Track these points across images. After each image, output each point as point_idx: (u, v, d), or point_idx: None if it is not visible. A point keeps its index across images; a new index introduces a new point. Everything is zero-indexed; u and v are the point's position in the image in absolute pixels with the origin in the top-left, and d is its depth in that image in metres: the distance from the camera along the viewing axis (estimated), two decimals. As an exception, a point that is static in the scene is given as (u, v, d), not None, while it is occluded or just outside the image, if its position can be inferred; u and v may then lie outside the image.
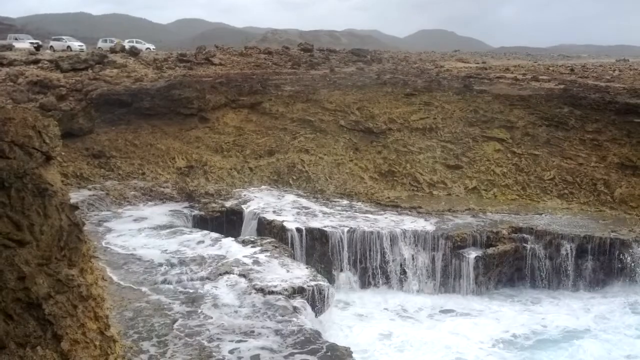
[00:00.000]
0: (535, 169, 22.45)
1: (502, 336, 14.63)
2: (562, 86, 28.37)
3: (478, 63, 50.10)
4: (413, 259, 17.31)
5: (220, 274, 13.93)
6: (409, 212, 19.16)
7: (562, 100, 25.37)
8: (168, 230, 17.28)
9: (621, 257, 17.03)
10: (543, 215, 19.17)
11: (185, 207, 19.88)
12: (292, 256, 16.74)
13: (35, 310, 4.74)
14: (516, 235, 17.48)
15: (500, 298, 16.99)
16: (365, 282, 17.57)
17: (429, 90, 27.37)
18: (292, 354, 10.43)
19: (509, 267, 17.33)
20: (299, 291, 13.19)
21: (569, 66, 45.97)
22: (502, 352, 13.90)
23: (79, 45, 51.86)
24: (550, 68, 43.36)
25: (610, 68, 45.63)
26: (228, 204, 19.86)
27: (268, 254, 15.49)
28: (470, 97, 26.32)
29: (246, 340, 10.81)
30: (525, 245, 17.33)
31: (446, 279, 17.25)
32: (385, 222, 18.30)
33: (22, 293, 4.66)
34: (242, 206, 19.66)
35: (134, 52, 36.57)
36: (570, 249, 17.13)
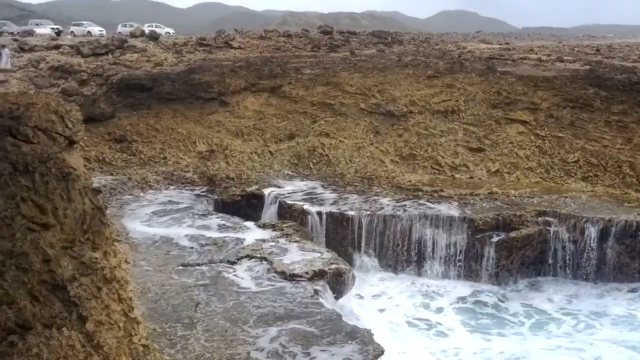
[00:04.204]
0: (559, 152, 22.11)
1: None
2: (587, 67, 27.89)
3: (501, 44, 49.44)
4: (433, 242, 17.22)
5: (242, 257, 14.01)
6: (431, 196, 19.02)
7: (587, 81, 24.92)
8: (189, 214, 17.40)
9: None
10: (567, 198, 18.89)
11: (206, 191, 20.01)
12: (313, 240, 16.79)
13: (60, 292, 4.81)
14: (540, 218, 17.27)
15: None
16: (386, 265, 17.54)
17: (451, 72, 27.06)
18: (313, 337, 10.47)
19: (532, 250, 17.15)
20: (319, 274, 13.20)
21: (594, 46, 45.18)
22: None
23: (99, 31, 52.29)
24: (575, 48, 42.66)
25: (637, 48, 44.69)
26: (249, 187, 19.93)
27: (289, 237, 15.53)
28: (493, 78, 25.97)
29: (267, 323, 10.87)
30: (548, 228, 17.11)
31: (469, 262, 17.11)
32: (407, 205, 18.20)
33: (47, 275, 4.73)
34: (263, 190, 19.72)
35: (153, 37, 36.75)
36: (595, 232, 16.88)
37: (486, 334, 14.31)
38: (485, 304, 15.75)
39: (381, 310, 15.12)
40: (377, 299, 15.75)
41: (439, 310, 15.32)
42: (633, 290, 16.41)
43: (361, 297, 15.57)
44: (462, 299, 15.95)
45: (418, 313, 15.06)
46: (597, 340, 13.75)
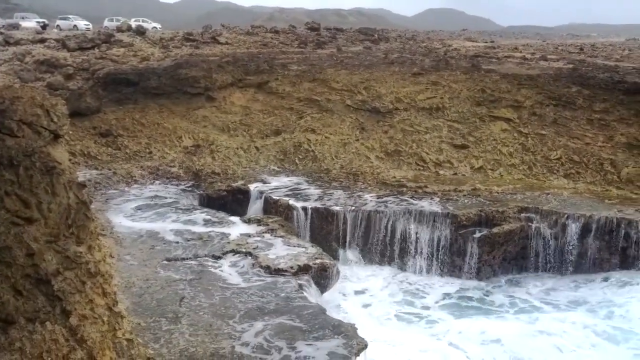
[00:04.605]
0: (542, 149, 22.37)
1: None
2: (570, 65, 28.19)
3: (486, 42, 49.75)
4: (417, 238, 17.38)
5: (226, 252, 14.06)
6: (415, 192, 19.18)
7: (571, 79, 25.19)
8: (175, 209, 17.42)
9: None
10: (549, 195, 19.13)
11: (192, 186, 20.01)
12: (298, 234, 16.88)
13: (44, 286, 4.84)
14: (522, 214, 17.49)
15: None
16: (370, 260, 17.67)
17: (436, 70, 27.22)
18: (297, 331, 10.56)
19: (514, 246, 17.37)
20: (304, 269, 13.29)
21: (578, 45, 45.63)
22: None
23: (85, 25, 51.89)
24: (559, 47, 43.06)
25: (620, 47, 45.23)
26: (234, 183, 19.97)
27: (274, 232, 15.60)
28: (478, 76, 26.17)
29: (252, 317, 10.95)
30: (530, 224, 17.34)
31: (452, 258, 17.29)
32: (391, 201, 18.34)
33: (31, 269, 4.76)
34: (249, 185, 19.76)
35: (140, 31, 36.56)
36: (576, 228, 17.14)
37: (472, 318, 14.66)
38: (470, 298, 15.99)
39: (366, 306, 15.25)
40: (362, 295, 15.87)
41: (425, 304, 15.52)
42: (605, 279, 16.80)
43: (345, 293, 15.68)
44: (447, 295, 16.14)
45: (403, 308, 15.22)
46: (571, 325, 14.16)
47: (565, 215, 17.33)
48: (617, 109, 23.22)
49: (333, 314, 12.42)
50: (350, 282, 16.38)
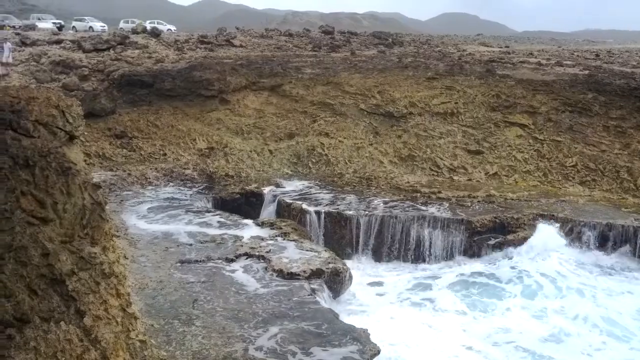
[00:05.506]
0: (557, 156, 22.17)
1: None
2: (586, 72, 27.89)
3: (501, 47, 49.45)
4: (432, 244, 17.25)
5: (240, 255, 14.03)
6: (429, 197, 19.05)
7: (587, 85, 24.94)
8: (188, 211, 17.43)
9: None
10: (564, 202, 18.93)
11: (206, 189, 20.03)
12: (311, 239, 16.81)
13: (59, 286, 4.83)
14: (537, 221, 17.31)
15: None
16: (383, 265, 17.54)
17: (451, 74, 27.07)
18: (310, 335, 10.49)
19: (528, 253, 17.21)
20: (317, 273, 13.23)
21: (594, 51, 45.22)
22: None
23: (101, 26, 52.24)
24: (575, 53, 42.68)
25: (637, 54, 44.75)
26: (248, 186, 19.97)
27: (287, 236, 15.55)
28: (493, 81, 25.99)
29: (265, 321, 10.89)
30: (545, 232, 17.16)
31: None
32: (405, 206, 18.23)
33: (46, 269, 4.76)
34: (262, 188, 19.75)
35: (155, 33, 36.72)
36: (593, 236, 16.94)
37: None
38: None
39: (381, 295, 15.20)
40: (376, 297, 15.73)
41: (436, 289, 15.64)
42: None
43: (358, 298, 15.56)
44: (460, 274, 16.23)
45: (416, 296, 15.21)
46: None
47: (582, 223, 17.15)
48: (634, 115, 22.97)
49: (346, 318, 12.31)
50: (364, 285, 16.23)
